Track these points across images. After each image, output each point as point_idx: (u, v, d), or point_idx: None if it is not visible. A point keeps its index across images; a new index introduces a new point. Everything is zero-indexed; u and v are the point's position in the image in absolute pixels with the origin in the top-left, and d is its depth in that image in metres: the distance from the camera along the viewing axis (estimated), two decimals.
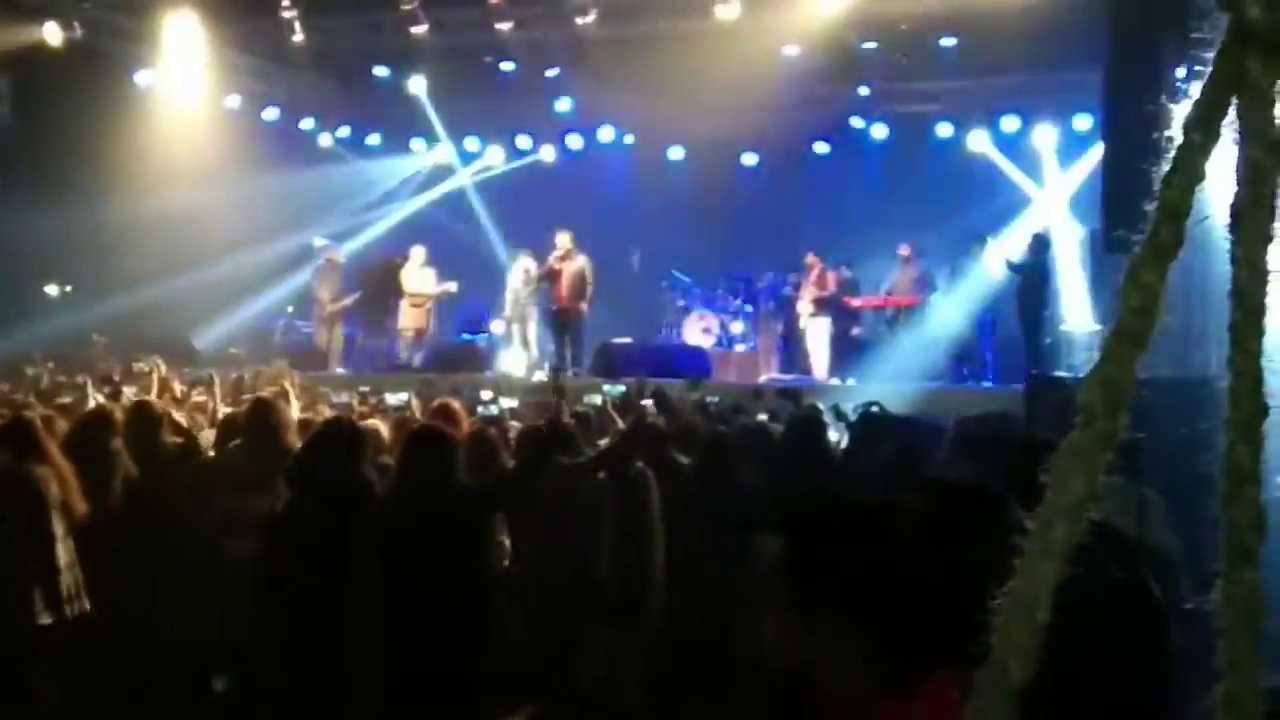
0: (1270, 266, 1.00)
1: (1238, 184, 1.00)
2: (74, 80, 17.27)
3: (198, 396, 9.98)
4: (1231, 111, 1.02)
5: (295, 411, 8.83)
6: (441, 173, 22.97)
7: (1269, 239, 1.01)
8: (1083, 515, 0.99)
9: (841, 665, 1.96)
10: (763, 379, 17.09)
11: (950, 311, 17.04)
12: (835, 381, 16.38)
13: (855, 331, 18.21)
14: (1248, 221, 1.01)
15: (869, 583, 1.99)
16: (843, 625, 1.97)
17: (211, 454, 8.06)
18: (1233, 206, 1.02)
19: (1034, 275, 16.09)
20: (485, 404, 10.65)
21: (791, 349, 18.42)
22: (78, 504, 6.92)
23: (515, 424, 9.21)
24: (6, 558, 6.67)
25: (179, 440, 7.97)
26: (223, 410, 9.04)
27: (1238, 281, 1.01)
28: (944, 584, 1.96)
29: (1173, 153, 1.02)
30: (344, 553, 5.92)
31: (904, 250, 17.62)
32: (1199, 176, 1.02)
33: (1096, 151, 17.48)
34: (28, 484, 6.71)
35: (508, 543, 7.57)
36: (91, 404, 8.69)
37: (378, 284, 18.82)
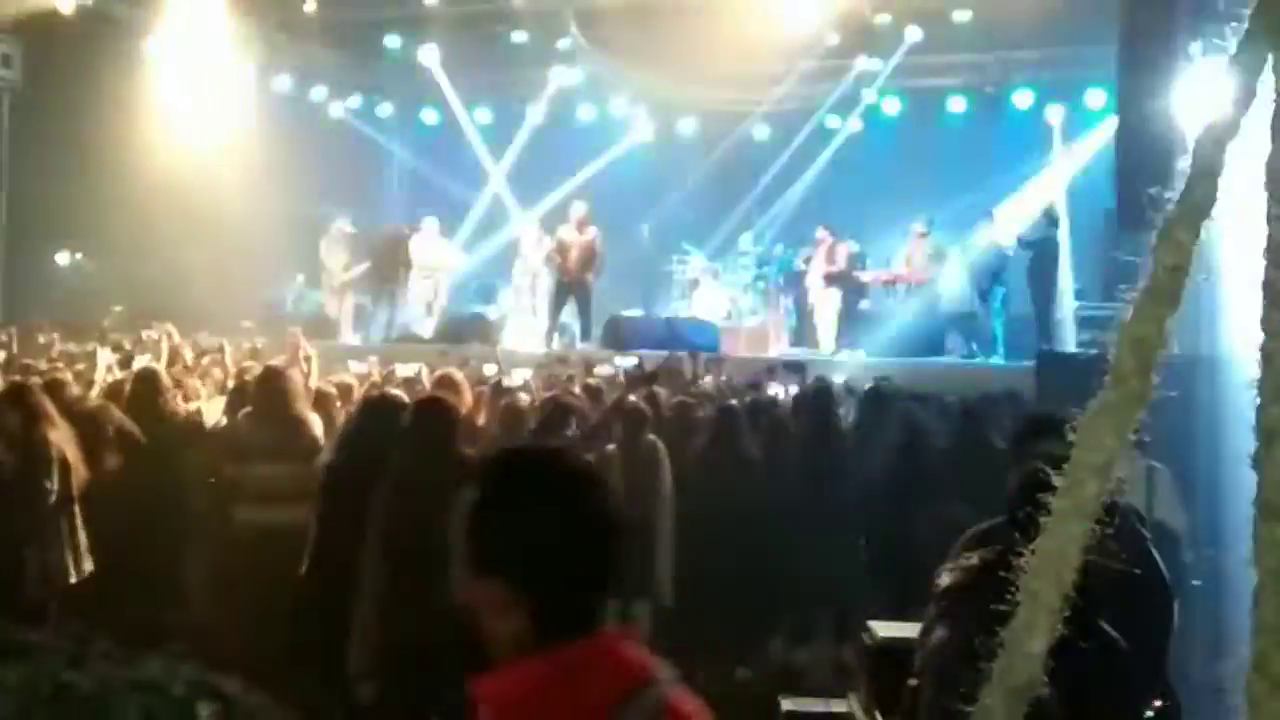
0: None
1: (1271, 141, 1.00)
2: (85, 48, 17.22)
3: (212, 367, 9.99)
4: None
5: (311, 380, 8.86)
6: (452, 140, 22.90)
7: None
8: (1112, 473, 0.99)
9: (500, 628, 2.00)
10: (772, 352, 17.06)
11: (960, 287, 16.98)
12: (844, 356, 16.34)
13: (863, 305, 18.16)
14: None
15: (520, 548, 2.02)
16: (502, 589, 2.00)
17: (222, 422, 8.08)
18: (1269, 165, 1.01)
19: (1045, 251, 16.05)
20: (489, 377, 10.64)
21: (802, 323, 18.40)
22: (81, 469, 6.97)
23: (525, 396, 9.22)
24: (30, 517, 6.72)
25: (186, 409, 7.99)
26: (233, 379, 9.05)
27: (1273, 239, 1.01)
28: (582, 548, 2.03)
29: (1208, 116, 1.01)
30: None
31: (918, 226, 17.56)
32: (1234, 132, 1.02)
33: (1106, 127, 17.49)
34: (43, 447, 6.74)
35: None
36: (101, 371, 8.70)
37: (386, 254, 18.77)
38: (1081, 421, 1.01)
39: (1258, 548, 1.00)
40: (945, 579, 3.43)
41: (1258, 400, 1.02)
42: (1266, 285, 1.00)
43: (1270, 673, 0.99)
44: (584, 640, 2.00)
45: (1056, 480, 1.03)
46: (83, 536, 6.95)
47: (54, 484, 6.72)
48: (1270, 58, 1.02)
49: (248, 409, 7.72)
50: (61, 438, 6.89)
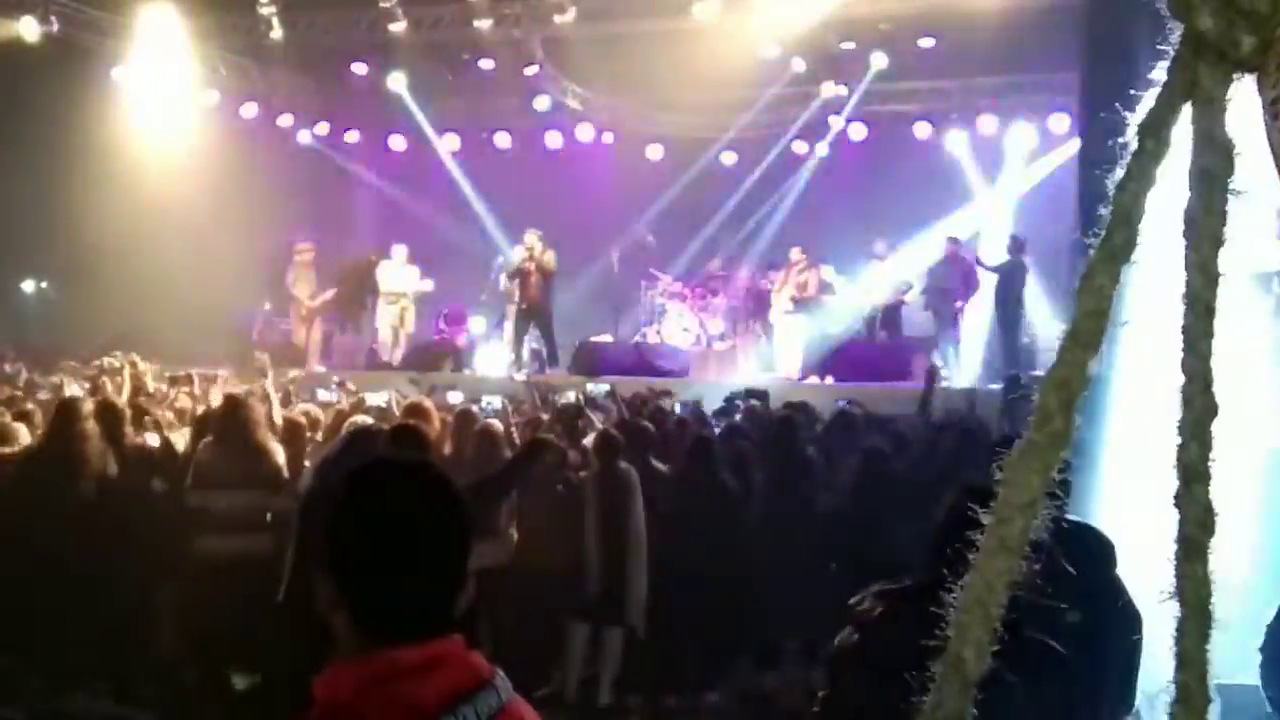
0: (1220, 270, 1.04)
1: (1189, 190, 1.03)
2: (51, 75, 17.19)
3: (181, 396, 9.94)
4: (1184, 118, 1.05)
5: (275, 409, 8.84)
6: (419, 167, 22.93)
7: (1220, 244, 1.04)
8: (1037, 512, 1.02)
9: (335, 629, 2.04)
10: (742, 376, 17.10)
11: (925, 311, 17.15)
12: (814, 380, 16.40)
13: (833, 330, 18.25)
14: (1200, 227, 1.03)
15: (337, 546, 2.07)
16: (330, 588, 2.04)
17: (182, 450, 8.06)
18: (1185, 212, 1.04)
19: (1011, 276, 16.20)
20: (452, 405, 10.63)
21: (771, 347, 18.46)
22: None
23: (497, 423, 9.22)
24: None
25: (146, 440, 7.97)
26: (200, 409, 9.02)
27: (1190, 286, 1.04)
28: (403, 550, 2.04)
29: (1126, 159, 1.04)
30: None
31: (879, 248, 17.75)
32: (1151, 182, 1.05)
33: (1057, 154, 17.71)
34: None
35: (515, 535, 7.65)
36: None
37: (352, 281, 18.80)
38: (1008, 462, 1.04)
39: (1179, 583, 1.03)
40: (838, 640, 3.51)
41: (1177, 440, 1.05)
42: (1184, 331, 1.03)
43: (1194, 706, 1.02)
44: (417, 643, 1.99)
45: (984, 518, 1.06)
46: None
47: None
48: (1185, 109, 1.05)
49: (208, 438, 7.72)
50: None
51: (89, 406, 7.72)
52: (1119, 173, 1.04)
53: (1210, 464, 1.02)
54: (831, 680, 3.52)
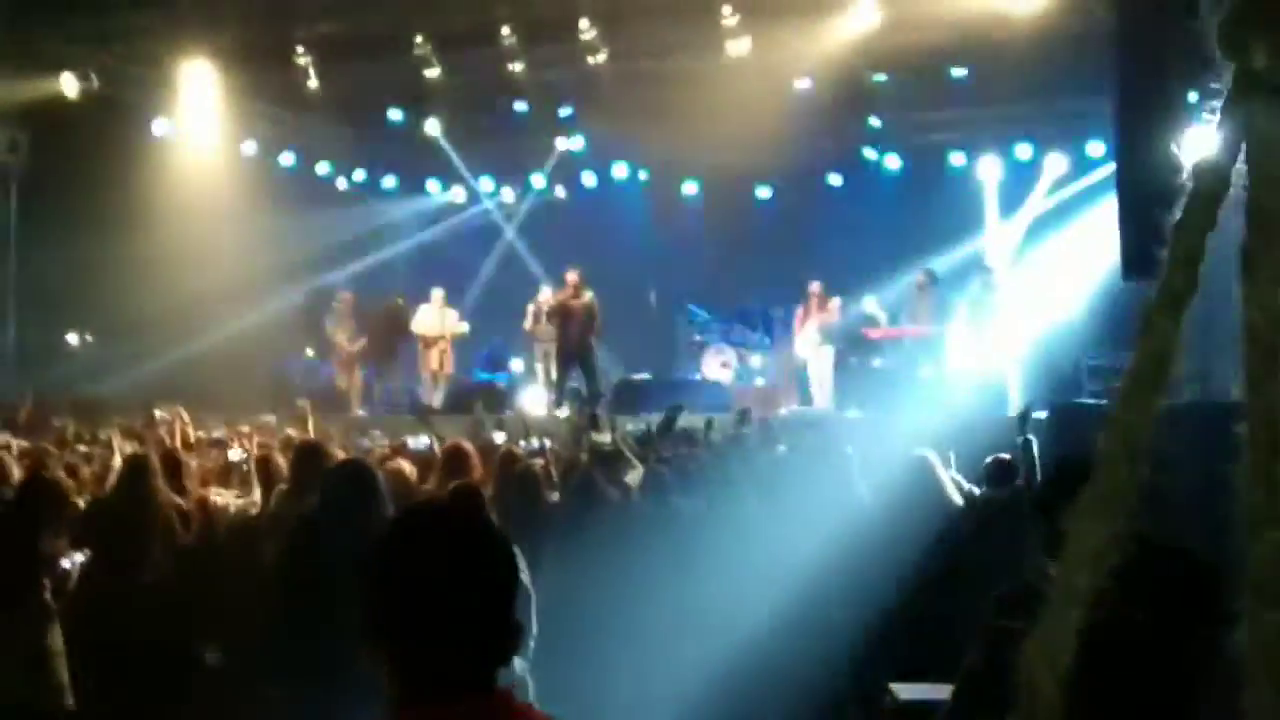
0: None
1: (1247, 227, 1.02)
2: (92, 130, 17.42)
3: (225, 449, 9.91)
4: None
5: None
6: (457, 211, 23.11)
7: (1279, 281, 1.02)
8: (1104, 564, 1.00)
9: (383, 683, 2.02)
10: (783, 411, 17.05)
11: (967, 340, 17.05)
12: (854, 412, 16.32)
13: (877, 363, 18.18)
14: (1259, 266, 1.02)
15: (369, 605, 2.06)
16: (371, 647, 2.03)
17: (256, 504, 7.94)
18: (1244, 250, 1.03)
19: (1052, 302, 16.14)
20: (497, 445, 10.62)
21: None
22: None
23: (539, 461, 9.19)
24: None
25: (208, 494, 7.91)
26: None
27: (1252, 326, 1.02)
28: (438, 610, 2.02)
29: (1184, 200, 1.03)
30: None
31: (919, 279, 17.68)
32: (1212, 224, 1.04)
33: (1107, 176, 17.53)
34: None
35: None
36: (116, 456, 8.65)
37: (381, 326, 18.93)
38: (1073, 511, 1.03)
39: (1250, 633, 1.01)
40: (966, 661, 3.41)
41: (1243, 484, 1.03)
42: (1248, 372, 1.02)
43: None
44: (454, 703, 1.97)
45: (1051, 569, 1.04)
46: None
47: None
48: (1244, 146, 1.04)
49: (282, 487, 7.58)
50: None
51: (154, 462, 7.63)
52: (1177, 214, 1.03)
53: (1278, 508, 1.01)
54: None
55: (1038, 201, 19.53)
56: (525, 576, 5.05)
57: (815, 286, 17.86)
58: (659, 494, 7.93)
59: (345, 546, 5.48)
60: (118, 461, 8.37)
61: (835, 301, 17.69)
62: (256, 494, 8.13)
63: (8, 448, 9.55)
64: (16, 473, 8.07)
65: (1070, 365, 15.80)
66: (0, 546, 6.61)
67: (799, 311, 17.97)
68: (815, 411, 16.74)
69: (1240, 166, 1.03)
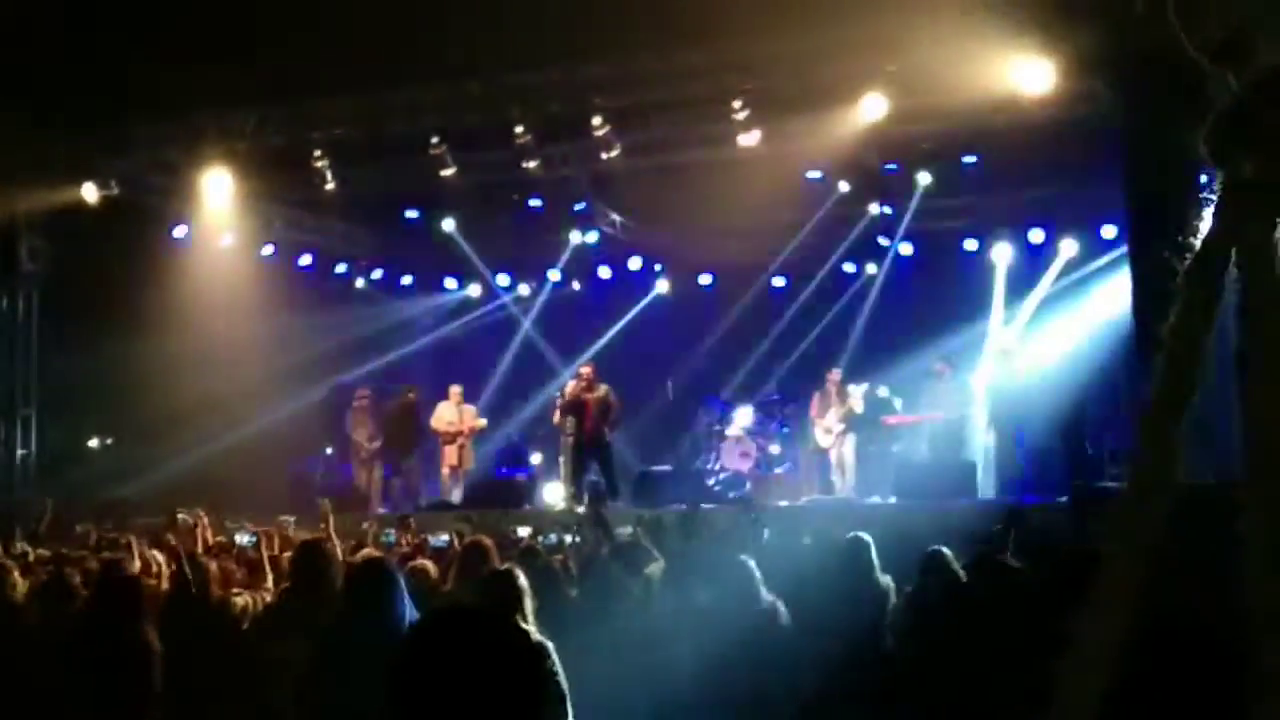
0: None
1: (1241, 331, 1.04)
2: (113, 236, 17.63)
3: (247, 551, 9.95)
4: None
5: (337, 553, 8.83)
6: (475, 307, 23.26)
7: (1276, 383, 1.04)
8: (1112, 664, 1.02)
9: None
10: (804, 500, 17.01)
11: (984, 424, 17.06)
12: (876, 499, 16.30)
13: (895, 449, 18.18)
14: (1254, 367, 1.04)
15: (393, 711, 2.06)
16: None
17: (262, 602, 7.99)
18: (1238, 352, 1.05)
19: (1072, 386, 16.13)
20: (518, 539, 10.63)
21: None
22: None
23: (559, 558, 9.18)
24: None
25: (232, 595, 7.92)
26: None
27: (1251, 425, 1.05)
28: None
29: (1177, 307, 1.06)
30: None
31: (939, 366, 17.71)
32: (1205, 328, 1.06)
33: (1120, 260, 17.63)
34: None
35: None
36: (136, 561, 8.69)
37: (396, 422, 19.00)
38: (1081, 616, 1.04)
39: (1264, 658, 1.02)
40: None
41: (1251, 572, 1.05)
42: (1248, 468, 1.04)
43: None
44: None
45: (1060, 669, 1.06)
46: None
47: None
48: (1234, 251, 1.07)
49: (284, 585, 7.66)
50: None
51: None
52: (1171, 319, 1.05)
53: None
54: None
55: (1051, 285, 19.58)
56: (561, 677, 5.01)
57: (834, 374, 17.89)
58: (678, 588, 7.89)
59: (369, 649, 5.48)
60: (136, 565, 8.41)
61: (857, 389, 17.68)
62: (269, 582, 8.21)
63: (25, 556, 9.58)
64: (20, 582, 8.09)
65: (1092, 448, 15.78)
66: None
67: (816, 399, 17.97)
68: (836, 499, 16.71)
69: (1232, 271, 1.06)
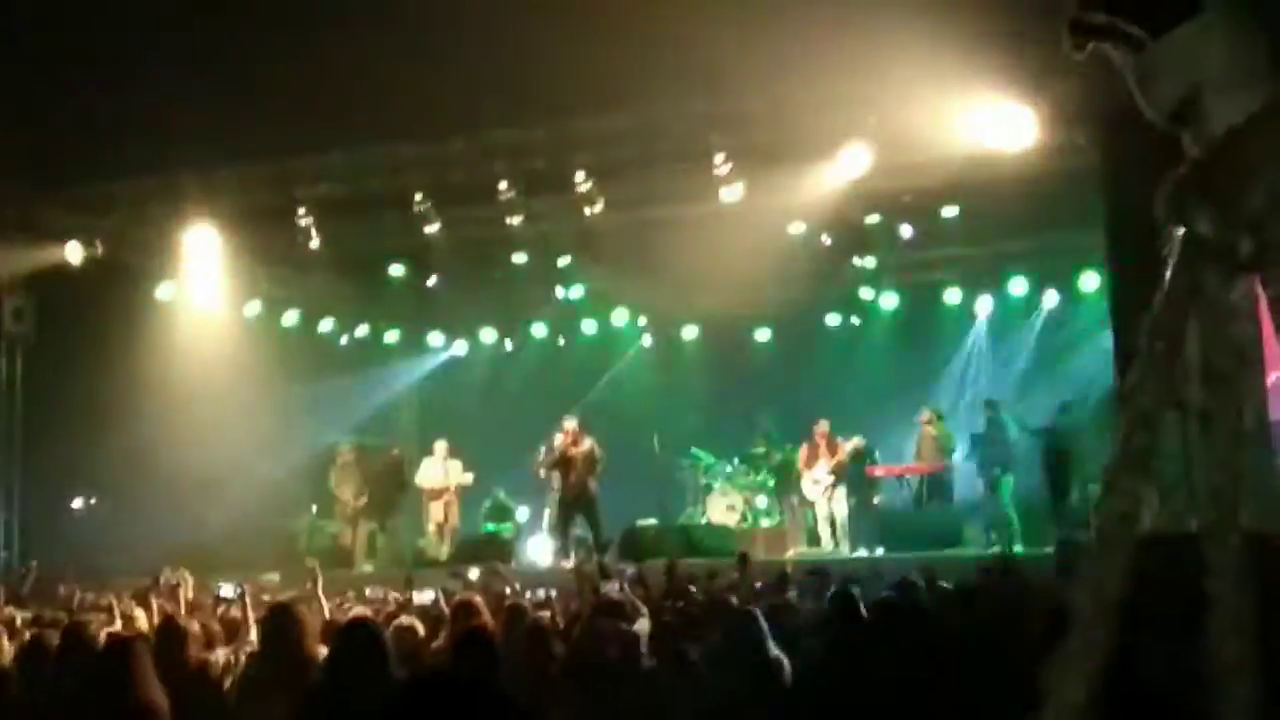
0: (1240, 464, 1.06)
1: (1202, 389, 1.06)
2: (97, 296, 17.60)
3: (229, 611, 9.89)
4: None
5: (323, 614, 8.78)
6: (460, 362, 23.28)
7: (1238, 437, 1.06)
8: (1081, 714, 1.03)
9: None
10: (790, 554, 16.98)
11: (970, 477, 17.10)
12: (863, 553, 16.29)
13: (875, 501, 18.20)
14: (1216, 422, 1.06)
15: None
16: None
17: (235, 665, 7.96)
18: (1201, 408, 1.07)
19: (1057, 437, 16.18)
20: (504, 596, 10.57)
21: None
22: None
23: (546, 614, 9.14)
24: None
25: (213, 658, 7.86)
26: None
27: (1213, 482, 1.06)
28: None
29: (1138, 362, 1.07)
30: None
31: (924, 416, 17.75)
32: (1167, 381, 1.08)
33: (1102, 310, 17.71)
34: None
35: None
36: (118, 621, 8.63)
37: (382, 480, 18.98)
38: (1050, 670, 1.05)
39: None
40: None
41: (1215, 641, 1.06)
42: (1208, 527, 1.05)
43: None
44: None
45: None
46: None
47: None
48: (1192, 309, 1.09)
49: (253, 648, 7.61)
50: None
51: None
52: (1132, 376, 1.07)
53: (1253, 659, 1.03)
54: None
55: (1034, 334, 19.71)
56: None
57: (822, 426, 17.88)
58: (667, 645, 7.85)
59: (355, 712, 5.45)
60: (117, 626, 8.35)
61: (847, 442, 17.68)
62: (252, 636, 8.16)
63: (11, 622, 9.51)
64: (6, 644, 8.03)
65: (1077, 500, 15.81)
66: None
67: (804, 452, 17.95)
68: (822, 553, 16.68)
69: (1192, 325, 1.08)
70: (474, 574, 12.52)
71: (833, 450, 17.64)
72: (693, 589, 10.80)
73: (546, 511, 18.73)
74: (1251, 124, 1.03)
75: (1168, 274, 1.08)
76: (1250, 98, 1.03)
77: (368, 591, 12.03)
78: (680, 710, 7.27)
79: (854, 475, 17.75)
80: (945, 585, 9.58)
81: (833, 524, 17.48)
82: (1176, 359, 1.09)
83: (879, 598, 8.13)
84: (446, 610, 9.28)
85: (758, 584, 11.65)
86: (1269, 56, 1.03)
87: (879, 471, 18.26)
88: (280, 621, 7.35)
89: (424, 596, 10.80)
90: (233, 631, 8.97)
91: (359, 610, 9.73)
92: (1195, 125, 1.07)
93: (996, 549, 15.47)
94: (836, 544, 17.20)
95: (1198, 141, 1.07)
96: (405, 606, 10.34)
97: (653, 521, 18.23)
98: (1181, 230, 1.08)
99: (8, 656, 7.88)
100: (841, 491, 17.50)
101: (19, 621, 9.59)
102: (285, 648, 7.17)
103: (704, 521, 18.37)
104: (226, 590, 9.36)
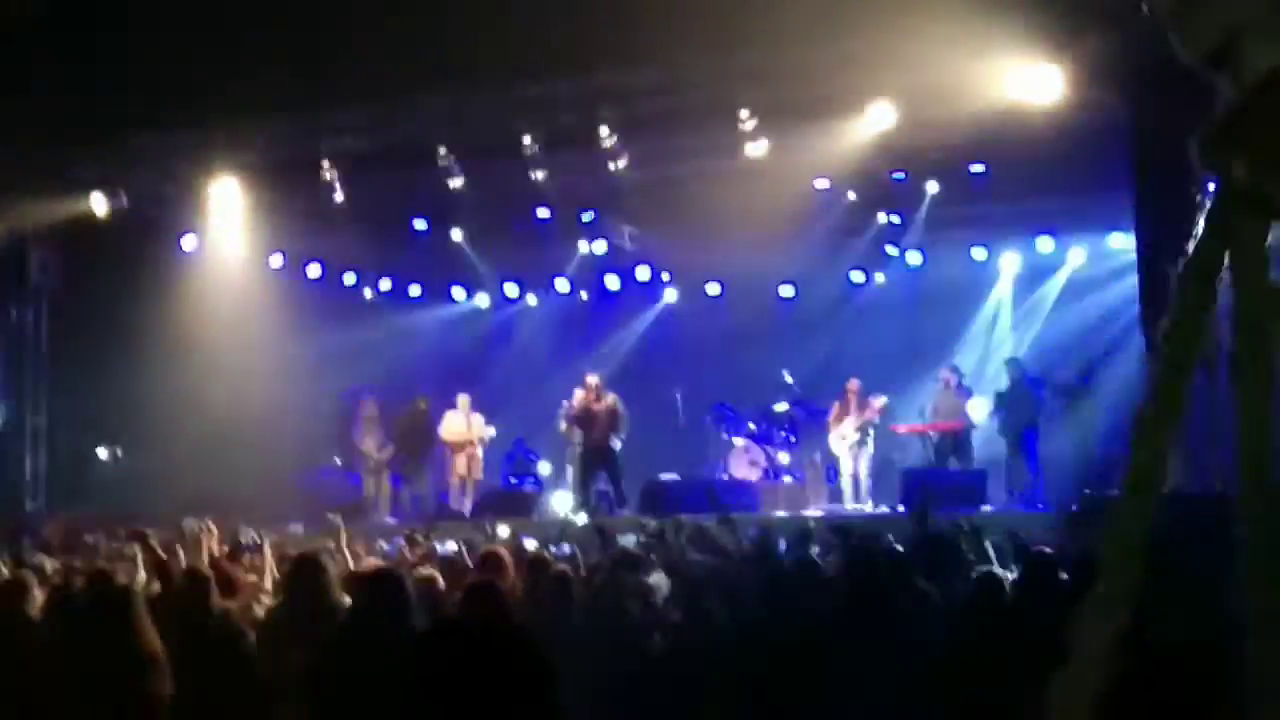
0: (1272, 414, 1.04)
1: (1235, 335, 1.05)
2: (122, 248, 17.69)
3: (255, 560, 9.95)
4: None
5: (347, 565, 8.84)
6: (483, 316, 23.30)
7: (1269, 388, 1.05)
8: (1107, 663, 1.02)
9: None
10: (812, 509, 16.99)
11: (993, 434, 17.07)
12: (884, 509, 16.30)
13: (894, 457, 18.21)
14: (1247, 372, 1.05)
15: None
16: None
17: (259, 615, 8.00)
18: (1231, 357, 1.06)
19: (1080, 393, 16.13)
20: (529, 552, 10.61)
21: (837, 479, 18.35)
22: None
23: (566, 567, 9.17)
24: None
25: (236, 605, 7.91)
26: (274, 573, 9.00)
27: (1244, 431, 1.05)
28: None
29: (1171, 311, 1.06)
30: None
31: (945, 374, 17.70)
32: (1200, 331, 1.07)
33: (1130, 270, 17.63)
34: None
35: None
36: (141, 572, 8.70)
37: (407, 432, 19.04)
38: (1076, 618, 1.05)
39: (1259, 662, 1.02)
40: None
41: (1247, 582, 1.05)
42: (1241, 476, 1.04)
43: None
44: None
45: (1060, 671, 1.06)
46: None
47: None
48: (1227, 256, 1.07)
49: (280, 599, 7.66)
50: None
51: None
52: (1164, 324, 1.06)
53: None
54: None
55: (1060, 292, 19.61)
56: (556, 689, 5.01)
57: (854, 384, 17.86)
58: (692, 602, 7.88)
59: (376, 660, 5.49)
60: (141, 576, 8.43)
61: (877, 400, 17.70)
62: (268, 586, 8.25)
63: (41, 569, 9.60)
64: (39, 594, 8.10)
65: (1100, 457, 15.75)
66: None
67: (835, 408, 17.95)
68: (848, 511, 16.70)
69: (1225, 275, 1.06)
70: (503, 530, 12.47)
71: (862, 408, 17.65)
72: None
73: (568, 468, 18.77)
74: None
75: (1201, 220, 1.06)
76: None
77: (383, 545, 12.06)
78: (693, 667, 7.33)
79: (877, 432, 17.76)
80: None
81: (856, 481, 17.53)
82: (1209, 308, 1.08)
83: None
84: (469, 562, 9.34)
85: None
86: None
87: (901, 429, 18.23)
88: (306, 571, 7.41)
89: (445, 548, 10.84)
90: (256, 580, 9.05)
91: (374, 561, 9.79)
92: (1232, 69, 1.05)
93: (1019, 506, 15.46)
94: (859, 501, 17.26)
95: (1235, 85, 1.05)
96: (427, 557, 10.39)
97: (674, 476, 18.27)
98: (1216, 176, 1.06)
99: (38, 605, 7.95)
100: (868, 449, 17.53)
101: (49, 569, 9.68)
102: (310, 597, 7.23)
103: (726, 477, 18.38)
104: (246, 538, 9.42)
